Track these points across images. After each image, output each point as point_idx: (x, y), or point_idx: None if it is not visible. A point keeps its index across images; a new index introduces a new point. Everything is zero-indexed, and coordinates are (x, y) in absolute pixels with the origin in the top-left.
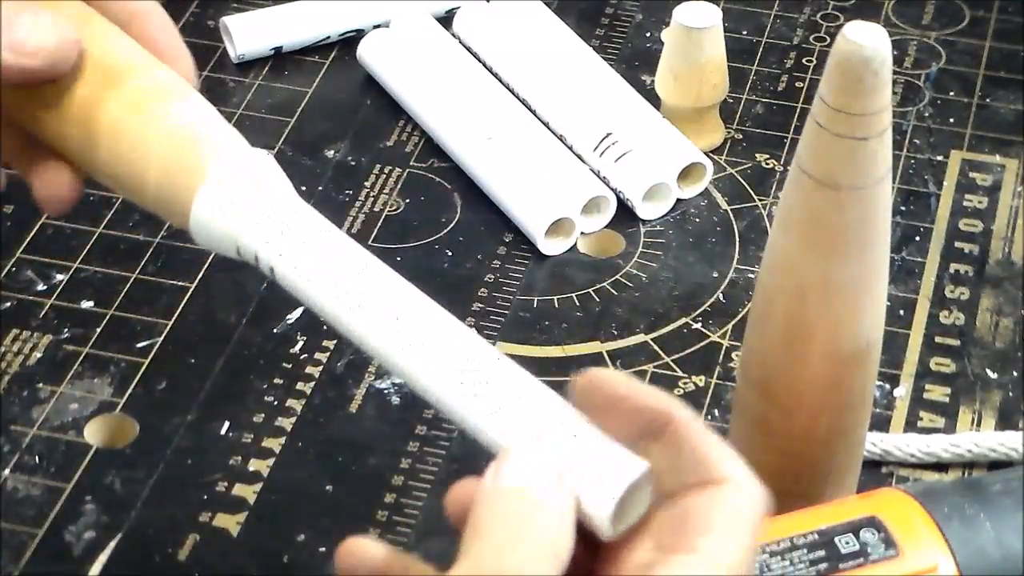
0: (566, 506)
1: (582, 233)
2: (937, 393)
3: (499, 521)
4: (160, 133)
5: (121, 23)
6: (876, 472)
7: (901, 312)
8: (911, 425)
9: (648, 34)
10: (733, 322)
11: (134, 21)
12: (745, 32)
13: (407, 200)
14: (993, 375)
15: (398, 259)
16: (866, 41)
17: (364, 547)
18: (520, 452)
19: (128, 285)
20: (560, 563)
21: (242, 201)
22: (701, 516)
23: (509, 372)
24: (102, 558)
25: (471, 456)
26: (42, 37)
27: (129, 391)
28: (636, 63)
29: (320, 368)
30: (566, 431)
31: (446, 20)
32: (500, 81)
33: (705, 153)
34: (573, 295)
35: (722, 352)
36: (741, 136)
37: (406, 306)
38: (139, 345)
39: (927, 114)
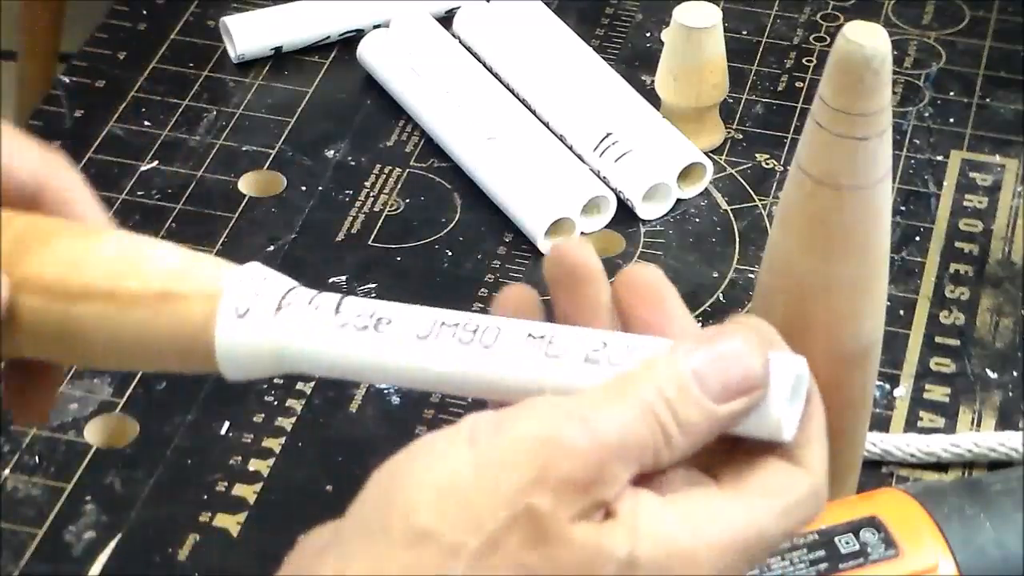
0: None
1: (582, 233)
2: (937, 393)
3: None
4: (147, 303)
5: (35, 193)
6: (876, 472)
7: (901, 312)
8: (911, 425)
9: (648, 34)
10: None
11: (48, 187)
12: (745, 32)
13: (407, 200)
14: (993, 375)
15: (398, 259)
16: (866, 41)
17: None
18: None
19: None
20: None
21: (267, 307)
22: (775, 480)
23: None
24: (102, 558)
25: None
26: None
27: (129, 391)
28: (636, 63)
29: None
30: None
31: (446, 20)
32: (500, 81)
33: (705, 153)
34: None
35: None
36: (741, 136)
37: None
38: None
39: (927, 114)
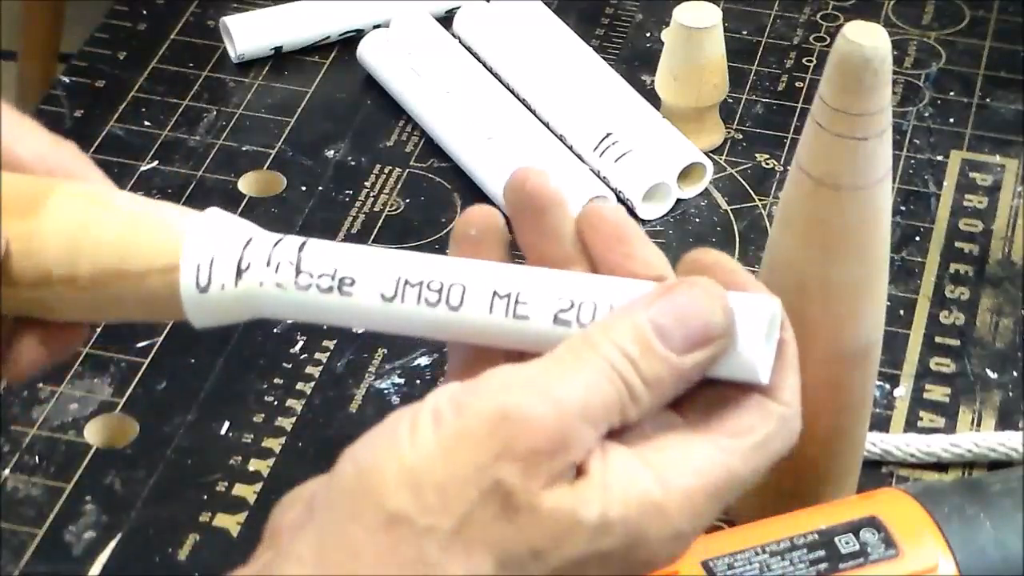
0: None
1: None
2: (937, 393)
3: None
4: (105, 283)
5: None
6: (876, 472)
7: (901, 312)
8: (911, 425)
9: (648, 34)
10: None
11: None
12: (745, 32)
13: (407, 200)
14: (993, 375)
15: None
16: (866, 41)
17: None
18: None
19: None
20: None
21: (227, 274)
22: (746, 417)
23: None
24: (102, 558)
25: None
26: None
27: (129, 391)
28: (636, 63)
29: (320, 368)
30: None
31: (446, 20)
32: (500, 81)
33: (705, 153)
34: None
35: None
36: (741, 136)
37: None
38: (139, 345)
39: (927, 114)
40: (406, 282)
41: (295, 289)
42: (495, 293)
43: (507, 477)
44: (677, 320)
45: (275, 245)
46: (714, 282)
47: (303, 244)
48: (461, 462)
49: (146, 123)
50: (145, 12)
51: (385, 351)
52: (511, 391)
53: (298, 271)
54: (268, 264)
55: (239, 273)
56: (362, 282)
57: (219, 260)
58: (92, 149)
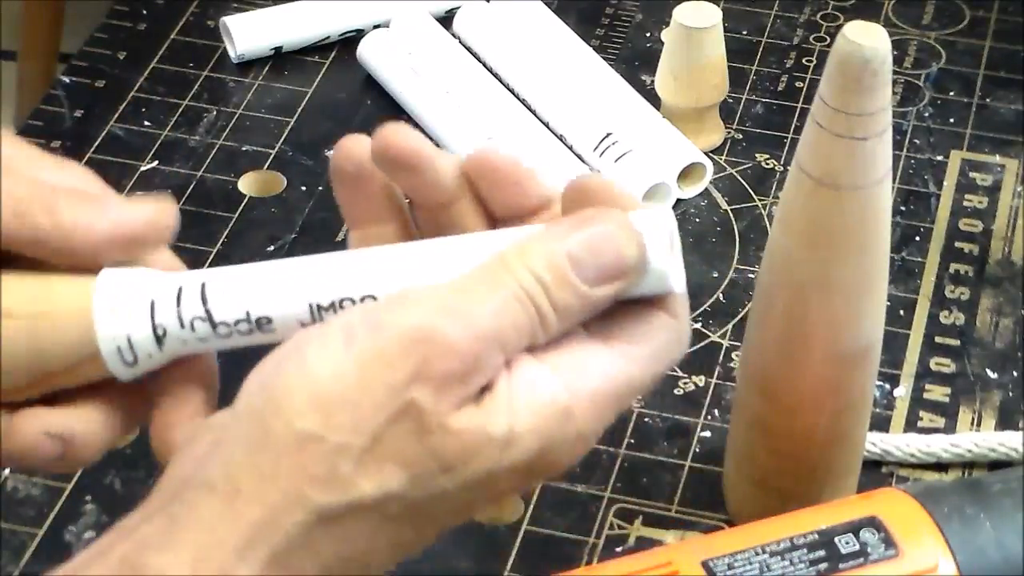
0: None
1: None
2: (937, 393)
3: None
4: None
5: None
6: (876, 472)
7: (901, 312)
8: (911, 425)
9: (648, 34)
10: (733, 322)
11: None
12: (745, 32)
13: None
14: (993, 375)
15: None
16: (866, 41)
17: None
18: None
19: None
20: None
21: (147, 347)
22: (643, 327)
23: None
24: None
25: None
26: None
27: None
28: (636, 63)
29: None
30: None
31: (446, 20)
32: (500, 81)
33: (705, 153)
34: None
35: (722, 352)
36: (741, 136)
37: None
38: None
39: (927, 114)
40: (319, 306)
41: (217, 338)
42: None
43: (420, 398)
44: (592, 252)
45: (179, 301)
46: (626, 216)
47: (203, 288)
48: (374, 381)
49: (146, 123)
50: (145, 12)
51: None
52: (427, 313)
53: (213, 325)
54: (183, 326)
55: (159, 341)
56: (279, 319)
57: (135, 336)
58: (92, 149)
